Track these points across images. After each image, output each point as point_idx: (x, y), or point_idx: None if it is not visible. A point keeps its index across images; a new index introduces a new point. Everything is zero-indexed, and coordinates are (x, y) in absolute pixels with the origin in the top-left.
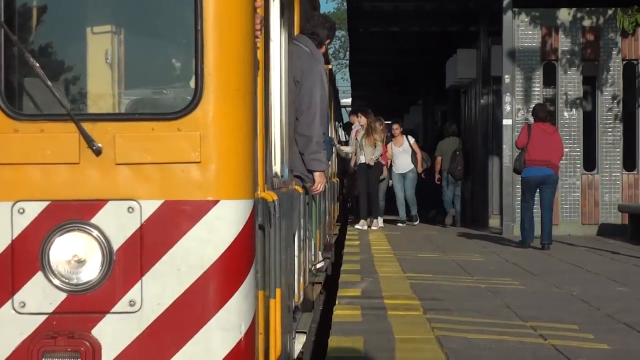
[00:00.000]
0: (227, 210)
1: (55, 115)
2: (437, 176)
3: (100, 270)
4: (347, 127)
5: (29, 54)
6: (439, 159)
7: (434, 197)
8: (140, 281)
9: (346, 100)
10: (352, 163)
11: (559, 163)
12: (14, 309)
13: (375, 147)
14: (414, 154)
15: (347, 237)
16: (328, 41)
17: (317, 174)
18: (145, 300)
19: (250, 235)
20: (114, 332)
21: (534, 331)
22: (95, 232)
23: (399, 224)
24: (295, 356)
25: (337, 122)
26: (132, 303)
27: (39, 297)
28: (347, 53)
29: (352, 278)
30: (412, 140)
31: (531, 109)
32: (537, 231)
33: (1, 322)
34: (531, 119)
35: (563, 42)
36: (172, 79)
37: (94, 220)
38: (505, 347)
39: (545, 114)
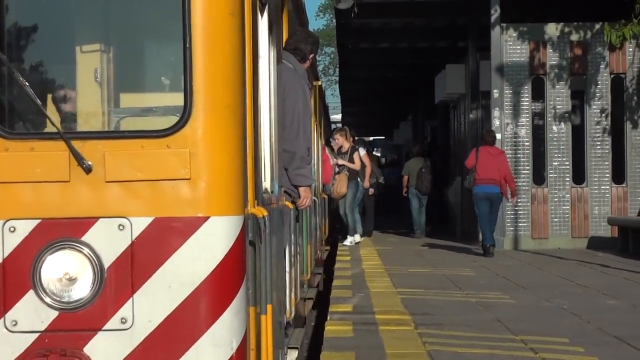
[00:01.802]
0: (218, 227)
1: (45, 133)
2: (404, 189)
3: (92, 288)
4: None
5: (18, 73)
6: (405, 177)
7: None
8: (131, 298)
9: (336, 117)
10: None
11: (504, 181)
12: (6, 328)
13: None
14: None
15: (338, 252)
16: (312, 55)
17: (302, 189)
18: (136, 317)
19: (240, 251)
20: (106, 349)
21: (524, 345)
22: (86, 250)
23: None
24: None
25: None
26: (123, 320)
27: (30, 315)
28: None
29: (343, 293)
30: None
31: (521, 124)
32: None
33: None
34: (520, 133)
35: (551, 57)
36: (161, 96)
37: (84, 238)
38: None
39: (491, 138)
